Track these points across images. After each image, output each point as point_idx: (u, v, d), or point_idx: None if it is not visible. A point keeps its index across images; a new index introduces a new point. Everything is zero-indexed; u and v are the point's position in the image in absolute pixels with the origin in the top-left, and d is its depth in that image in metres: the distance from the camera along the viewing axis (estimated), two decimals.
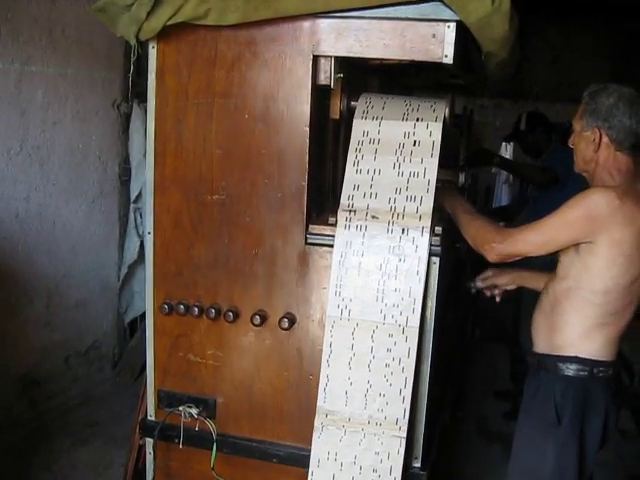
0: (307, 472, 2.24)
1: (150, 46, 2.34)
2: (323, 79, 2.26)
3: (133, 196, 4.39)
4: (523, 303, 3.95)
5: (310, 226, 2.32)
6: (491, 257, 2.30)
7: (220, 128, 2.33)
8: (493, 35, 2.19)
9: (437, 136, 2.23)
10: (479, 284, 2.74)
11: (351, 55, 2.20)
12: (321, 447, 2.22)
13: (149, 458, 2.61)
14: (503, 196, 6.19)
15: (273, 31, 2.23)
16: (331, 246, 2.24)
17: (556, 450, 2.27)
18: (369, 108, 2.32)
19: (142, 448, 2.77)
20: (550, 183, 4.15)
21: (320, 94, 2.30)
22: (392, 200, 2.21)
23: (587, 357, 2.26)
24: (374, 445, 2.19)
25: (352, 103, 2.37)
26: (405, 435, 2.17)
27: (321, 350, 2.23)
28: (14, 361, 3.71)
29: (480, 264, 2.63)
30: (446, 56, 2.11)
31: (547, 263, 2.47)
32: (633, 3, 5.00)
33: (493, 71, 2.86)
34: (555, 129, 4.47)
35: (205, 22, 2.20)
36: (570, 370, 2.27)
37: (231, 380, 2.46)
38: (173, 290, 2.46)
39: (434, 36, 2.11)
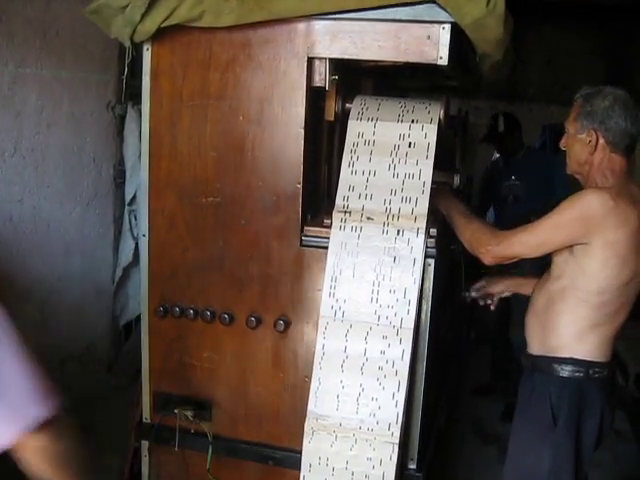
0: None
1: (144, 48, 2.34)
2: (318, 81, 2.26)
3: (128, 198, 4.37)
4: (512, 300, 3.95)
5: (305, 228, 2.32)
6: (487, 260, 2.31)
7: (215, 130, 2.33)
8: (488, 37, 2.19)
9: (432, 138, 2.24)
10: (473, 294, 2.75)
11: (346, 57, 2.20)
12: (312, 452, 2.21)
13: (145, 461, 2.61)
14: None
15: (267, 33, 2.23)
16: (326, 248, 2.23)
17: (552, 451, 2.27)
18: (364, 109, 2.32)
19: (138, 451, 2.76)
20: None
21: (315, 96, 2.30)
22: (387, 201, 2.21)
23: (582, 358, 2.26)
24: (366, 451, 2.16)
25: (347, 105, 2.37)
26: (398, 441, 2.14)
27: None
28: None
29: (475, 266, 2.64)
30: (441, 58, 2.12)
31: (535, 265, 2.48)
32: (627, 5, 5.01)
33: (488, 72, 2.86)
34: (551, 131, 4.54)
35: (199, 24, 2.20)
36: (565, 371, 2.27)
37: (227, 382, 2.46)
38: (168, 293, 2.46)
39: (429, 38, 2.11)
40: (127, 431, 3.02)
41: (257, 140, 2.30)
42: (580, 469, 2.30)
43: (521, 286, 2.68)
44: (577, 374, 2.26)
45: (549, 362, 2.30)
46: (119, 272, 4.44)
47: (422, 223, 2.17)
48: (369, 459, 2.16)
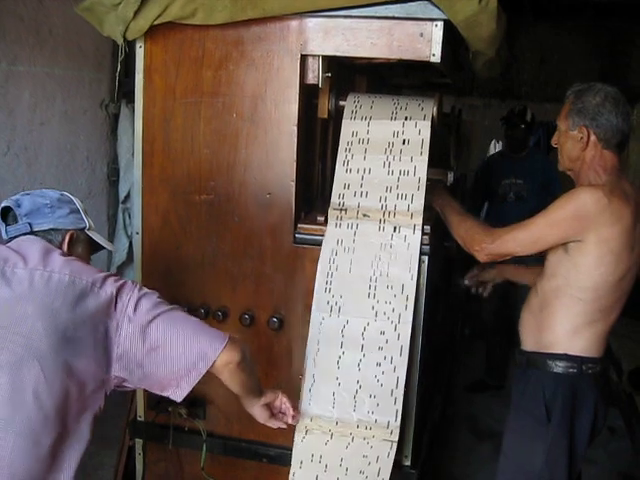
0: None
1: (137, 46, 2.34)
2: (311, 78, 2.26)
3: (122, 196, 4.36)
4: (515, 297, 3.95)
5: (299, 225, 2.32)
6: (481, 257, 2.31)
7: (208, 128, 2.33)
8: (481, 34, 2.19)
9: (426, 134, 2.24)
10: (466, 282, 2.79)
11: (339, 54, 2.20)
12: (304, 450, 2.17)
13: (139, 459, 2.60)
14: None
15: (261, 30, 2.23)
16: (320, 245, 2.23)
17: (546, 447, 2.27)
18: (357, 108, 2.32)
19: (132, 449, 2.76)
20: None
21: (308, 93, 2.30)
22: (383, 198, 2.22)
23: (576, 354, 2.26)
24: (363, 449, 2.13)
25: (340, 102, 2.37)
26: (397, 439, 2.11)
27: None
28: None
29: (469, 263, 2.65)
30: (434, 55, 2.12)
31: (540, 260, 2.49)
32: (621, 3, 5.02)
33: (481, 70, 2.87)
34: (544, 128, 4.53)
35: (192, 21, 2.20)
36: (559, 367, 2.27)
37: (220, 380, 2.45)
38: (162, 290, 2.42)
39: (422, 35, 2.12)
40: (121, 428, 3.02)
41: (250, 137, 2.30)
42: (574, 464, 2.30)
43: (510, 273, 2.70)
44: (571, 370, 2.27)
45: (543, 358, 2.31)
46: (113, 270, 4.43)
47: (419, 219, 2.17)
48: (365, 456, 2.12)
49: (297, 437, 2.18)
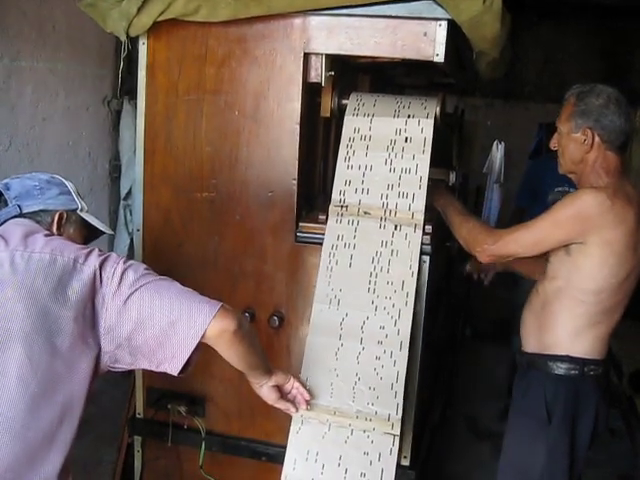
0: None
1: (140, 42, 2.33)
2: (314, 77, 2.25)
3: (123, 193, 4.37)
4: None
5: (300, 224, 2.32)
6: (483, 258, 2.31)
7: (210, 125, 2.32)
8: (484, 34, 2.19)
9: (428, 133, 2.23)
10: (468, 267, 2.78)
11: (342, 53, 2.20)
12: (300, 444, 2.05)
13: (137, 456, 2.60)
14: (494, 196, 6.19)
15: (264, 28, 2.22)
16: (321, 244, 2.23)
17: (547, 448, 2.27)
18: (360, 105, 2.32)
19: (131, 446, 2.76)
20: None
21: (311, 92, 2.30)
22: (384, 196, 2.21)
23: (578, 356, 2.26)
24: (363, 444, 2.03)
25: (343, 101, 2.36)
26: (399, 433, 2.04)
27: None
28: None
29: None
30: (437, 55, 2.11)
31: None
32: (624, 3, 5.01)
33: (484, 70, 2.86)
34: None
35: (195, 18, 2.20)
36: (561, 369, 2.27)
37: (220, 378, 2.45)
38: None
39: (425, 34, 2.11)
40: (120, 425, 3.02)
41: (252, 135, 2.30)
42: (574, 467, 2.30)
43: (515, 264, 2.66)
44: (573, 372, 2.26)
45: (544, 360, 2.30)
46: None
47: (420, 218, 2.17)
48: (366, 453, 2.02)
49: (293, 428, 2.07)
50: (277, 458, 2.37)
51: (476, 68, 2.78)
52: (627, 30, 5.87)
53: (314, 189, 2.58)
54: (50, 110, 3.72)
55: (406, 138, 2.25)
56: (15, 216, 1.72)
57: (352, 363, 2.13)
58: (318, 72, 2.25)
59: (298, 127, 2.25)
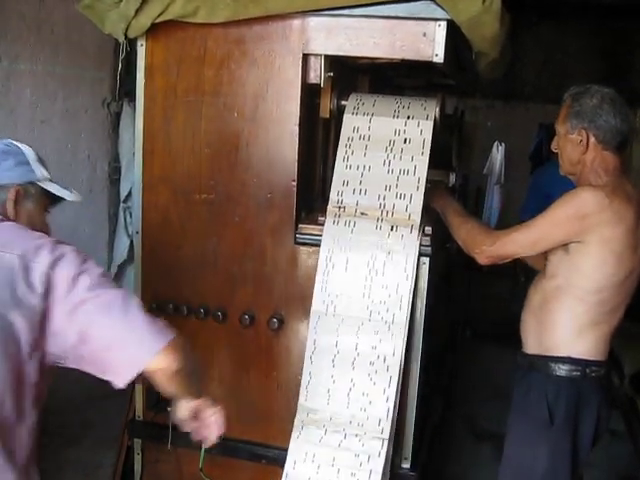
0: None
1: (139, 44, 2.33)
2: (313, 78, 2.25)
3: (123, 195, 4.35)
4: None
5: (299, 226, 2.31)
6: (482, 260, 2.30)
7: (209, 127, 2.32)
8: (484, 34, 2.19)
9: (428, 134, 2.23)
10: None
11: (341, 53, 2.20)
12: (299, 447, 2.19)
13: (137, 459, 2.60)
14: (495, 197, 6.18)
15: (263, 29, 2.22)
16: (320, 245, 2.23)
17: (549, 450, 2.26)
18: (360, 105, 2.32)
19: (130, 448, 2.75)
20: None
21: (310, 93, 2.30)
22: (382, 197, 2.21)
23: (580, 357, 2.25)
24: (354, 447, 2.15)
25: (342, 102, 2.36)
26: (387, 437, 2.13)
27: None
28: None
29: (470, 264, 2.62)
30: (436, 55, 2.11)
31: None
32: (624, 3, 5.01)
33: (484, 71, 2.86)
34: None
35: (194, 20, 2.20)
36: (562, 370, 2.26)
37: (220, 380, 2.44)
38: (161, 290, 2.45)
39: (424, 35, 2.11)
40: (120, 428, 3.01)
41: (251, 137, 2.29)
42: (576, 468, 2.29)
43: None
44: (574, 373, 2.25)
45: (545, 361, 2.29)
46: (114, 269, 4.43)
47: (416, 219, 2.17)
48: (357, 455, 2.13)
49: (294, 434, 2.19)
50: (276, 461, 2.37)
51: (476, 68, 2.78)
52: (627, 30, 5.87)
53: (313, 190, 2.58)
54: (49, 113, 3.71)
55: (405, 139, 2.24)
56: None
57: (348, 369, 2.18)
58: (317, 73, 2.25)
59: (297, 128, 2.25)
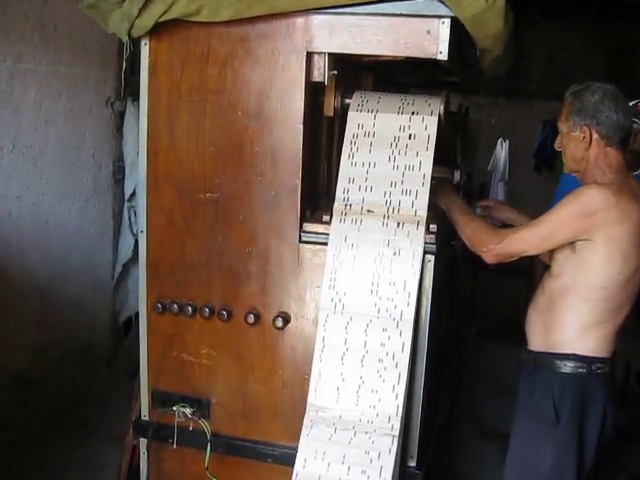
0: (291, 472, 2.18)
1: (142, 43, 2.33)
2: (317, 76, 2.24)
3: (127, 194, 4.37)
4: None
5: (304, 224, 2.31)
6: (488, 259, 2.29)
7: (213, 125, 2.32)
8: (488, 31, 2.18)
9: (432, 130, 2.23)
10: (478, 210, 2.73)
11: (345, 51, 2.19)
12: (309, 445, 2.18)
13: (143, 458, 2.60)
14: (499, 194, 6.18)
15: (266, 27, 2.21)
16: (325, 244, 2.23)
17: (555, 448, 2.26)
18: (364, 102, 2.31)
19: (136, 448, 2.76)
20: None
21: (314, 91, 2.29)
22: (387, 194, 2.21)
23: (585, 354, 2.25)
24: (364, 444, 2.14)
25: (346, 100, 2.36)
26: (397, 433, 2.13)
27: None
28: (7, 361, 3.69)
29: (475, 262, 2.62)
30: (441, 52, 2.10)
31: None
32: (628, 1, 4.99)
33: (488, 68, 2.85)
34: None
35: (198, 19, 2.19)
36: (568, 367, 2.26)
37: (225, 379, 2.44)
38: (166, 289, 2.45)
39: (428, 32, 2.10)
40: (126, 428, 3.02)
41: (256, 135, 2.29)
42: (582, 466, 2.29)
43: (518, 221, 2.62)
44: (580, 370, 2.25)
45: (551, 358, 2.29)
46: (119, 268, 4.44)
47: (422, 216, 2.16)
48: (367, 452, 2.13)
49: (303, 432, 2.19)
50: (282, 459, 2.37)
51: (480, 66, 2.77)
52: (631, 28, 5.86)
53: (318, 189, 2.57)
54: (53, 112, 3.72)
55: (410, 135, 2.24)
56: None
57: (357, 367, 2.17)
58: (321, 71, 2.24)
59: (301, 127, 2.24)
